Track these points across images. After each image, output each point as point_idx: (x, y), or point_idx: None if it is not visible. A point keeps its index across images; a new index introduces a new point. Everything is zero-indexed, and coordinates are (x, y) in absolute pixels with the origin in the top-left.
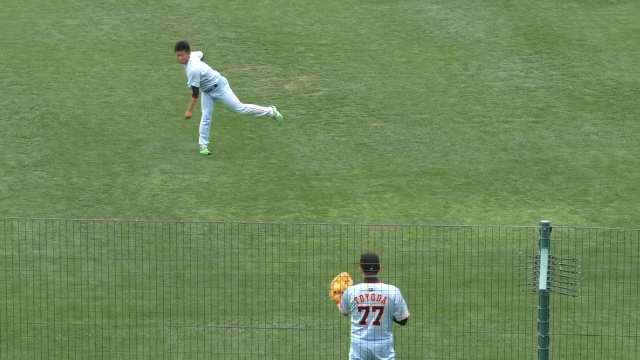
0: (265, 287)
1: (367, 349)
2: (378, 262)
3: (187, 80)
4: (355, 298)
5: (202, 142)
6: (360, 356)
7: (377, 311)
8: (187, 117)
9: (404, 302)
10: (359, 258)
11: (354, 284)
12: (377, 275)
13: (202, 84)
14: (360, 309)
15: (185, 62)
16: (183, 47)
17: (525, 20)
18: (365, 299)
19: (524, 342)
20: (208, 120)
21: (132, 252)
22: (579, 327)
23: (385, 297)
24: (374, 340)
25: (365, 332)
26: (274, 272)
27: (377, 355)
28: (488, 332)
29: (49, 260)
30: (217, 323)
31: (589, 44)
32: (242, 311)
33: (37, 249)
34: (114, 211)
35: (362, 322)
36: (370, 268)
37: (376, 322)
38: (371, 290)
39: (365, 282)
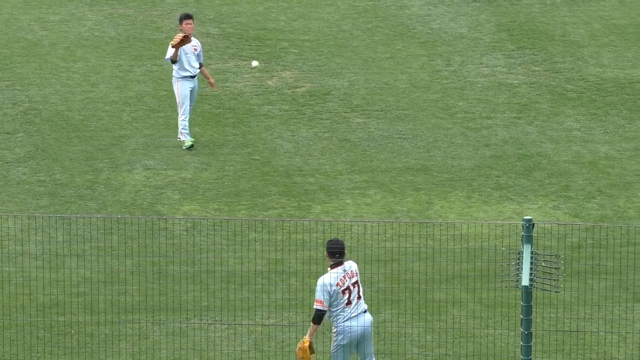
0: (248, 283)
1: (356, 330)
2: (344, 249)
3: (194, 53)
4: (337, 283)
5: (186, 137)
6: (351, 340)
7: (356, 286)
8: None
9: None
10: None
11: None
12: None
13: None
14: (343, 292)
15: (192, 31)
16: (193, 17)
17: (508, 16)
18: (345, 280)
19: (507, 337)
20: (186, 115)
21: (115, 249)
22: (562, 323)
23: (355, 271)
24: (361, 313)
25: (353, 310)
26: (257, 268)
27: (367, 333)
28: (471, 328)
29: (31, 257)
30: (200, 319)
31: (571, 40)
32: (225, 307)
33: (19, 246)
34: (96, 207)
35: (348, 303)
36: (336, 255)
37: (359, 296)
38: (345, 271)
39: (332, 267)
